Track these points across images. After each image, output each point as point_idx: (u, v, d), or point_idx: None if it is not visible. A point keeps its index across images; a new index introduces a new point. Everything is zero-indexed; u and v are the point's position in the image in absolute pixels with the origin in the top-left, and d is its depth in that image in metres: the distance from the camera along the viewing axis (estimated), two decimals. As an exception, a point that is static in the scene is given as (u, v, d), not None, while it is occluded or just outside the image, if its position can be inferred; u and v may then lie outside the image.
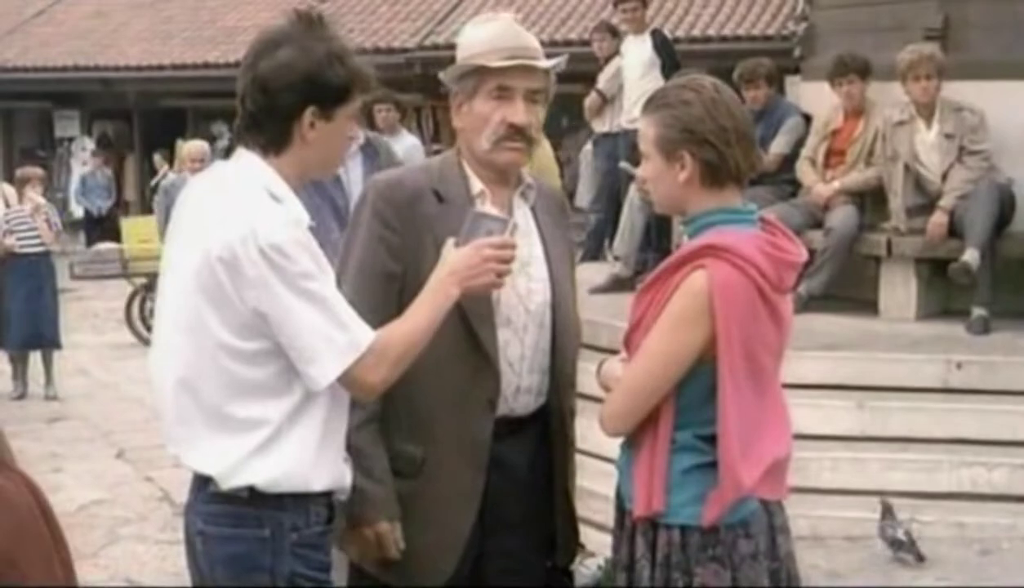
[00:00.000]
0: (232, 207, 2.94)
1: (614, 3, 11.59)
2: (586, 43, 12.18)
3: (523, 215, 3.53)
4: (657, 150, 3.17)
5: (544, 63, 3.47)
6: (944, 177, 8.20)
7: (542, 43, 3.61)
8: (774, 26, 18.53)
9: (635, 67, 10.71)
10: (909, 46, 8.22)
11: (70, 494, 7.99)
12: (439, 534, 3.42)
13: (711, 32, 19.12)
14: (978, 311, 7.90)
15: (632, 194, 9.68)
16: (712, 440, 3.08)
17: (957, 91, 8.26)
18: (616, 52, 11.17)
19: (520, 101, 3.42)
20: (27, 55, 24.53)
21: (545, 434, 3.55)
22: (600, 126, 11.28)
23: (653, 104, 3.22)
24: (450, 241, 3.22)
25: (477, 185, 3.48)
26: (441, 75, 3.57)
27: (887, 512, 6.32)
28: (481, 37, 3.48)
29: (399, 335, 3.07)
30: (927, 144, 8.27)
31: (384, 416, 3.44)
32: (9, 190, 12.72)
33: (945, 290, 8.45)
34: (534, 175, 3.67)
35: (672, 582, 3.07)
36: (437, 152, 19.14)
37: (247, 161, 3.06)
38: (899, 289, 8.45)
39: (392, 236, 3.41)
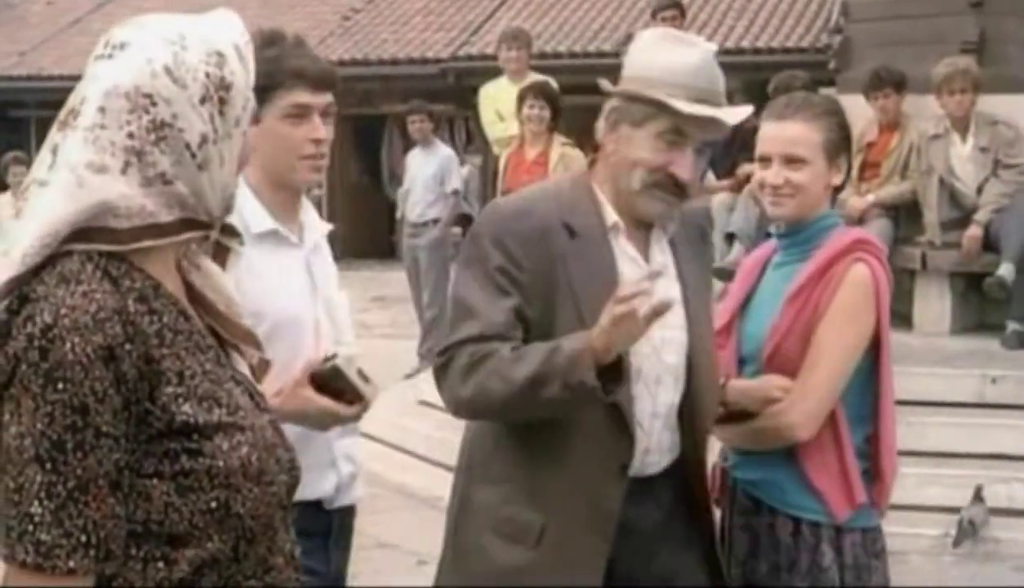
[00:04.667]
0: None
1: (652, 13, 11.54)
2: (618, 55, 12.16)
3: (661, 250, 3.10)
4: (823, 155, 3.20)
5: (732, 118, 3.01)
6: (979, 191, 8.18)
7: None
8: (808, 39, 18.42)
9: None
10: (944, 60, 8.20)
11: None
12: None
13: (745, 44, 19.01)
14: (1013, 326, 7.85)
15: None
16: (867, 441, 3.21)
17: (993, 105, 8.23)
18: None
19: (690, 153, 2.99)
20: (63, 64, 24.59)
21: (678, 492, 3.13)
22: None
23: (810, 110, 3.22)
24: None
25: (611, 216, 3.03)
26: (603, 83, 3.13)
27: (976, 496, 6.53)
28: (675, 63, 2.98)
29: None
30: (962, 158, 8.23)
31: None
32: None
33: (980, 304, 8.41)
34: None
35: (862, 582, 3.19)
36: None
37: None
38: (934, 303, 8.41)
39: (520, 274, 2.94)
